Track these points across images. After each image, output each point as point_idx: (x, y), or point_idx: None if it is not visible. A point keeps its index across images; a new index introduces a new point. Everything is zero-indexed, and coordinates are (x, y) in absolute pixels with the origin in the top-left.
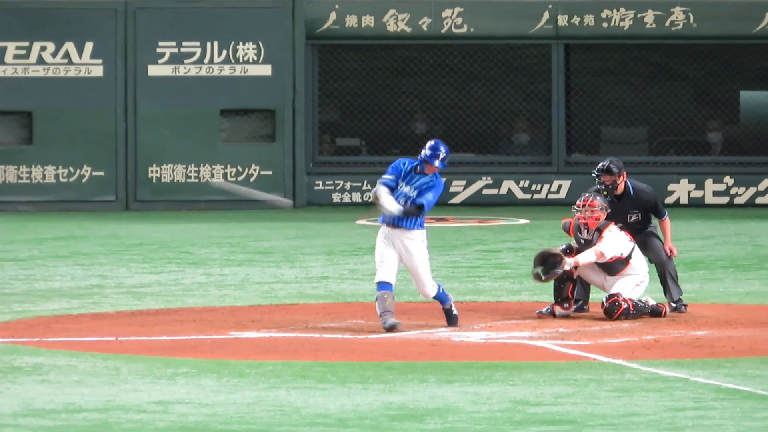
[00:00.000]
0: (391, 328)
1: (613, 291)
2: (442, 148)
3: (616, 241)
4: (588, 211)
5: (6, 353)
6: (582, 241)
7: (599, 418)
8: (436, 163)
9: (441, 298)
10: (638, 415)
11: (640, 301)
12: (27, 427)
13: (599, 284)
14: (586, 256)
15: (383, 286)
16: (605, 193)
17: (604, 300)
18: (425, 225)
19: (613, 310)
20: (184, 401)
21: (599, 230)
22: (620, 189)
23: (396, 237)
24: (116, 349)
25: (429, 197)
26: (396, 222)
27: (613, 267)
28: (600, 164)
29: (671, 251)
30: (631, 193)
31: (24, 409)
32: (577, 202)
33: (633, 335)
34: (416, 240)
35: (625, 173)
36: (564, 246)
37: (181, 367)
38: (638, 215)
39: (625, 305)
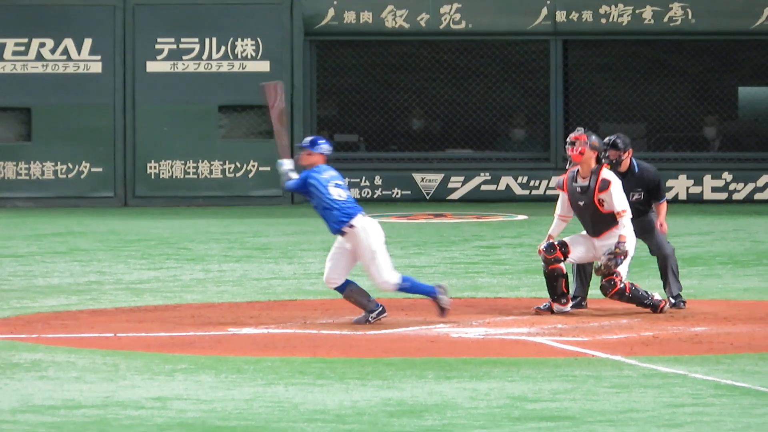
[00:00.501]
0: (378, 315)
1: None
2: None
3: (620, 190)
4: (578, 144)
5: (5, 349)
6: (578, 190)
7: (598, 414)
8: (305, 144)
9: (410, 290)
10: (637, 411)
11: (646, 291)
12: (26, 423)
13: (590, 256)
14: (628, 229)
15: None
16: (608, 167)
17: (601, 276)
18: (362, 219)
19: (609, 288)
20: (183, 397)
21: (595, 173)
22: (625, 165)
23: (344, 241)
24: (115, 346)
25: (294, 179)
26: (331, 230)
27: (600, 225)
28: (606, 138)
29: (662, 225)
30: (636, 171)
31: (23, 405)
32: (570, 136)
33: (631, 331)
34: (356, 235)
35: (630, 150)
36: (545, 244)
37: (180, 364)
38: (640, 194)
39: (621, 285)
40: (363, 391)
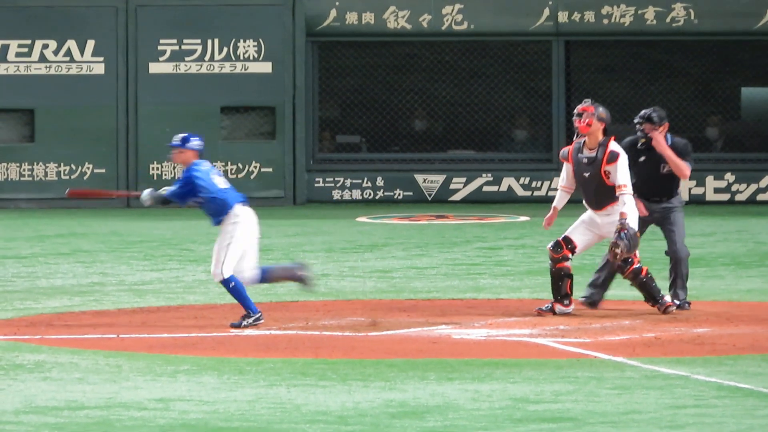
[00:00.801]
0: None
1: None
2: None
3: (626, 165)
4: (585, 115)
5: (8, 350)
6: (585, 161)
7: (600, 415)
8: (176, 143)
9: (235, 293)
10: (639, 412)
11: (659, 289)
12: (29, 424)
13: (595, 239)
14: (629, 206)
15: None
16: (643, 140)
17: (613, 258)
18: (234, 213)
19: (624, 267)
20: (185, 398)
21: (603, 145)
22: None
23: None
24: (117, 347)
25: (172, 187)
26: (213, 222)
27: (604, 198)
28: (643, 111)
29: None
30: (668, 142)
31: (26, 406)
32: (577, 108)
33: (634, 332)
34: (228, 220)
35: (666, 124)
36: (552, 243)
37: (182, 365)
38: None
39: (638, 266)
40: (365, 393)
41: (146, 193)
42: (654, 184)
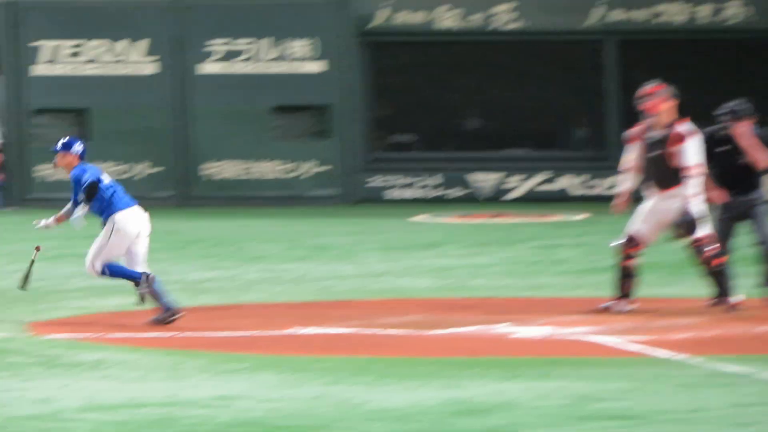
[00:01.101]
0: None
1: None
2: (67, 142)
3: (696, 146)
4: (656, 95)
5: (68, 349)
6: (653, 140)
7: (664, 413)
8: (59, 148)
9: (113, 276)
10: (704, 410)
11: (731, 288)
12: (91, 422)
13: (658, 226)
14: (693, 189)
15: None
16: (725, 132)
17: (677, 238)
18: (118, 213)
19: (698, 253)
20: (245, 396)
21: (673, 125)
22: None
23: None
24: (177, 345)
25: (74, 196)
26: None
27: (668, 180)
28: (730, 105)
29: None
30: (755, 134)
31: (88, 403)
32: (645, 89)
33: (696, 330)
34: (108, 223)
35: (754, 117)
36: (620, 240)
37: (243, 363)
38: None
39: (713, 253)
40: (425, 391)
41: (73, 218)
42: (733, 176)
